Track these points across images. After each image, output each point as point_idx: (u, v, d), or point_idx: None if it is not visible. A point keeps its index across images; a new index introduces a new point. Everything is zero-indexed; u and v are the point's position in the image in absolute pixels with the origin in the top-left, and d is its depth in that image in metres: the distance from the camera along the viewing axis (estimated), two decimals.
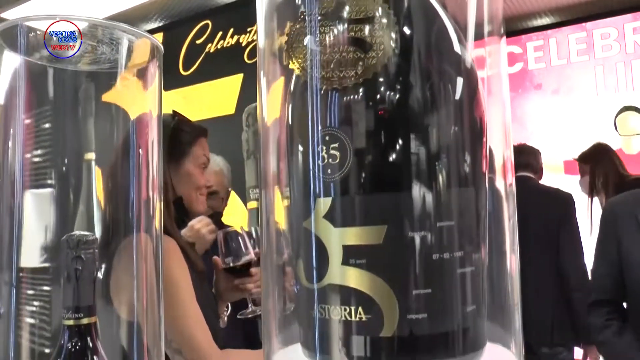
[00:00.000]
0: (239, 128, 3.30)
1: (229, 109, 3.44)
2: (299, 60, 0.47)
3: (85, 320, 0.68)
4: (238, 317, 1.59)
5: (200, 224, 1.59)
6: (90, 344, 0.68)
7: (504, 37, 0.56)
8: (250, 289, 1.51)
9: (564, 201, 2.60)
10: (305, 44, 0.47)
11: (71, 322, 0.68)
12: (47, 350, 0.75)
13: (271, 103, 0.55)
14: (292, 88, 0.51)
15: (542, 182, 2.83)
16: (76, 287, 0.68)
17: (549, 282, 2.56)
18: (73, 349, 0.67)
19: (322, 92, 0.45)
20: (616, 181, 2.49)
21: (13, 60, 0.72)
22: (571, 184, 3.07)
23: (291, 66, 0.48)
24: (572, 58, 3.39)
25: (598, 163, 2.60)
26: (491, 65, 0.54)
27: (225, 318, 1.58)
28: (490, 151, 0.52)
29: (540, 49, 3.46)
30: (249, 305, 1.55)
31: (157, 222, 0.80)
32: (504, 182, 0.53)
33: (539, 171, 2.82)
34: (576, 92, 3.41)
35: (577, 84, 3.41)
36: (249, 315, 1.55)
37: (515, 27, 3.46)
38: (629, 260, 1.67)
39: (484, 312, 0.49)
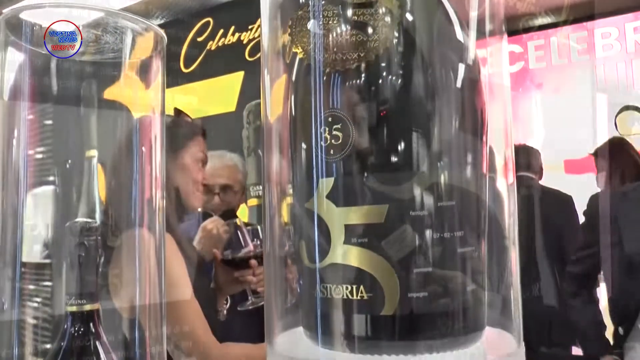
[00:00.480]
0: (240, 125, 3.30)
1: (230, 106, 3.45)
2: (303, 44, 0.48)
3: (88, 307, 0.69)
4: (238, 309, 1.59)
5: (212, 224, 1.59)
6: (93, 330, 0.69)
7: (505, 36, 0.57)
8: (250, 281, 1.51)
9: (565, 203, 2.60)
10: (308, 27, 0.48)
11: (74, 309, 0.68)
12: (48, 346, 0.75)
13: (274, 100, 0.56)
14: (295, 72, 0.51)
15: (542, 182, 2.84)
16: (79, 274, 0.69)
17: (549, 282, 2.57)
18: (76, 334, 0.67)
19: (325, 74, 0.46)
20: (635, 173, 2.44)
21: (17, 54, 0.72)
22: (571, 184, 3.07)
23: (294, 50, 0.49)
24: (573, 57, 3.39)
25: (614, 158, 2.54)
26: (493, 64, 0.55)
27: (225, 311, 1.58)
28: (491, 150, 0.53)
29: (541, 48, 3.47)
30: (249, 297, 1.55)
31: (160, 220, 0.80)
32: (505, 180, 0.54)
33: (538, 172, 2.82)
34: (577, 91, 3.41)
35: (578, 83, 3.41)
36: (250, 307, 1.55)
37: (516, 27, 3.46)
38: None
39: (484, 293, 0.50)
